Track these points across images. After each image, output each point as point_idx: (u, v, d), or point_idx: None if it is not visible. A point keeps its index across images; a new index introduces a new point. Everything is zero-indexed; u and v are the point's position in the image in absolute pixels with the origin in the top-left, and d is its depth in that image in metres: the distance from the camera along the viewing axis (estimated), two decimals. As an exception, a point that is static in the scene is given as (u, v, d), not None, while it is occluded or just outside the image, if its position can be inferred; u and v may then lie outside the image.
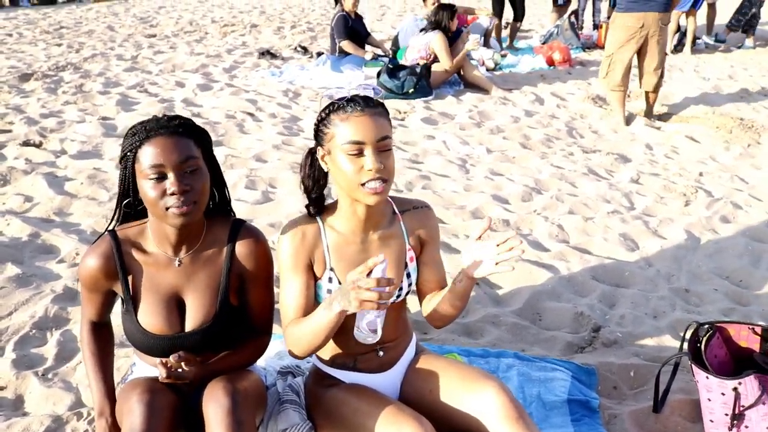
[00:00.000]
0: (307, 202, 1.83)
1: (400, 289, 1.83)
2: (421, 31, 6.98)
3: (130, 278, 1.79)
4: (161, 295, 1.78)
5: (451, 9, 6.90)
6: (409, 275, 1.85)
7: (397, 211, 1.86)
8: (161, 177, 1.64)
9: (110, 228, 1.82)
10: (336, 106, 1.66)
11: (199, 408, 1.69)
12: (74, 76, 7.28)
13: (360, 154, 1.63)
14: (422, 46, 6.80)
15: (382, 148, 1.64)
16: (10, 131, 5.31)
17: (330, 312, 1.59)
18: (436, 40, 6.69)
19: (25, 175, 4.37)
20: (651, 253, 3.40)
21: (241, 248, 1.81)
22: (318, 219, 1.80)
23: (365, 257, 1.77)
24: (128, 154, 1.69)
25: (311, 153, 1.79)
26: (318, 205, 1.82)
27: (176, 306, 1.79)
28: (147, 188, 1.65)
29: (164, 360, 1.68)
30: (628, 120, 5.79)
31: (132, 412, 1.63)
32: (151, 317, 1.78)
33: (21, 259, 3.32)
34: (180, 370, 1.68)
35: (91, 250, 1.79)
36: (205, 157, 1.73)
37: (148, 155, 1.63)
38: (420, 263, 1.89)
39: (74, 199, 4.03)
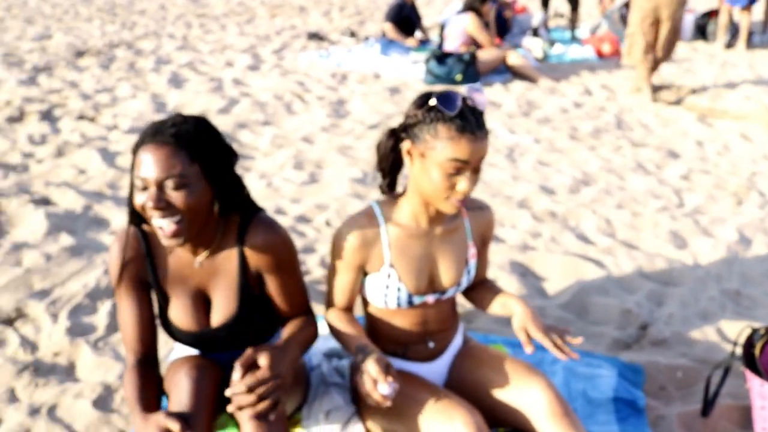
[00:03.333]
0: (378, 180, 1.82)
1: (458, 284, 1.83)
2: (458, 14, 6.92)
3: (159, 273, 1.77)
4: (187, 293, 1.77)
5: None
6: (469, 272, 1.84)
7: (462, 208, 1.85)
8: (145, 188, 1.56)
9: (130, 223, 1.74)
10: (447, 117, 1.57)
11: None
12: (127, 53, 7.40)
13: (457, 173, 1.59)
14: (459, 33, 6.74)
15: (478, 169, 1.62)
16: (65, 105, 5.43)
17: (353, 353, 1.69)
18: (470, 22, 6.66)
19: (79, 148, 4.47)
20: (701, 253, 3.33)
21: (252, 242, 1.73)
22: (380, 215, 1.77)
23: (427, 253, 1.78)
24: (132, 153, 1.61)
25: (395, 138, 1.72)
26: (391, 188, 1.81)
27: (202, 302, 1.79)
28: (135, 195, 1.60)
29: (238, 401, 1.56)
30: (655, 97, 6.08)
31: (179, 387, 1.66)
32: (179, 313, 1.78)
33: (74, 229, 3.40)
34: (263, 390, 1.55)
35: (117, 238, 1.75)
36: (205, 169, 1.59)
37: (137, 164, 1.56)
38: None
39: (125, 174, 4.11)
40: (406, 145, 1.66)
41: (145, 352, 1.77)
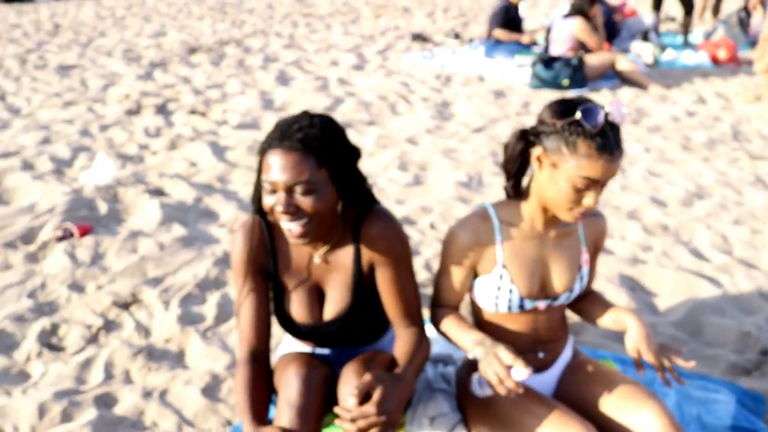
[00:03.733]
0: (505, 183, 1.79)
1: (571, 291, 1.78)
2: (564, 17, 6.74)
3: (279, 264, 1.78)
4: (304, 285, 1.79)
5: None
6: (582, 278, 1.79)
7: None
8: (274, 191, 1.58)
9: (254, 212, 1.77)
10: (588, 133, 1.52)
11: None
12: (236, 50, 7.65)
13: (586, 189, 1.56)
14: (566, 37, 6.56)
15: (606, 184, 1.58)
16: (178, 100, 5.67)
17: (468, 348, 1.68)
18: (578, 27, 6.46)
19: (191, 141, 4.64)
20: (829, 276, 3.11)
21: (366, 234, 1.72)
22: (494, 216, 1.74)
23: (541, 256, 1.74)
24: (260, 154, 1.62)
25: (525, 141, 1.68)
26: (515, 190, 1.77)
27: (317, 296, 1.80)
28: (263, 196, 1.61)
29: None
30: None
31: (289, 385, 1.67)
32: (294, 305, 1.79)
33: (186, 221, 3.53)
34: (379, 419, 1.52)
35: (242, 227, 1.78)
36: (332, 173, 1.60)
37: (265, 167, 1.57)
38: None
39: (234, 168, 4.24)
40: (537, 151, 1.62)
41: (260, 343, 1.77)
